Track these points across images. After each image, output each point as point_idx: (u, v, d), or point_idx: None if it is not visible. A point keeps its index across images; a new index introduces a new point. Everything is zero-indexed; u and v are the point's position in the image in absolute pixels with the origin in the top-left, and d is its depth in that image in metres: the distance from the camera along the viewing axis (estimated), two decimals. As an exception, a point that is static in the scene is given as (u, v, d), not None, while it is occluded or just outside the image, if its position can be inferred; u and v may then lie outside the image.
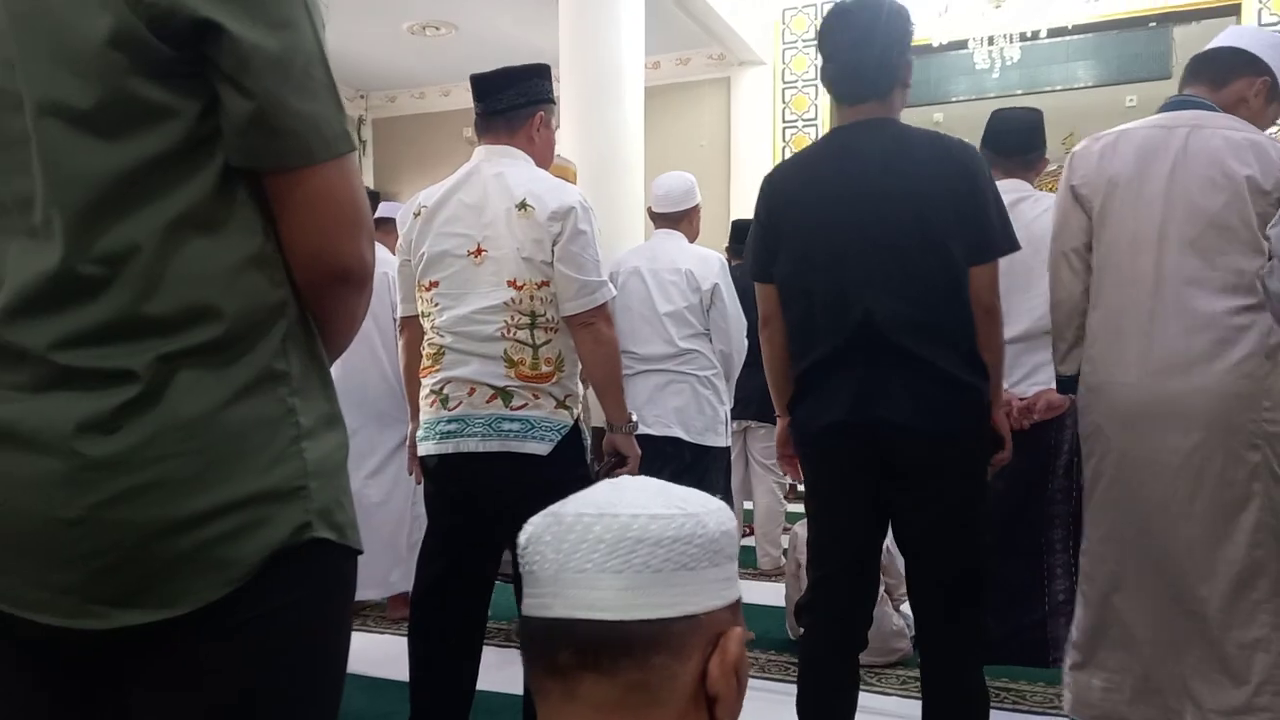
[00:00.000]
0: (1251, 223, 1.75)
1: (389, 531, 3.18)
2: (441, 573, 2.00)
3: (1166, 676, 1.82)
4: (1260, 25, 5.39)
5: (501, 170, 1.98)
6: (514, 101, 2.04)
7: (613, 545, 0.65)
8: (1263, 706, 1.73)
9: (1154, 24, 5.78)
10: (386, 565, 3.18)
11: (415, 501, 3.18)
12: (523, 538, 0.69)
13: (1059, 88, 6.67)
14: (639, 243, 4.12)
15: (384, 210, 3.50)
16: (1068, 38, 5.73)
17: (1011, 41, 5.17)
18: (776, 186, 1.86)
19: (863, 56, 1.76)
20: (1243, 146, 1.80)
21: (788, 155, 1.91)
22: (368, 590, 3.19)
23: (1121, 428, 1.83)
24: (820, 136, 1.87)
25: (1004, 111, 2.55)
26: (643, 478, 0.73)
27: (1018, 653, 2.35)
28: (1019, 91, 6.51)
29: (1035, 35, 5.24)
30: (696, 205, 3.18)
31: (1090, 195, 1.91)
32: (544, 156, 2.08)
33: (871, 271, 1.68)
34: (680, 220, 3.15)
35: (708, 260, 3.06)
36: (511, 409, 1.93)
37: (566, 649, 0.66)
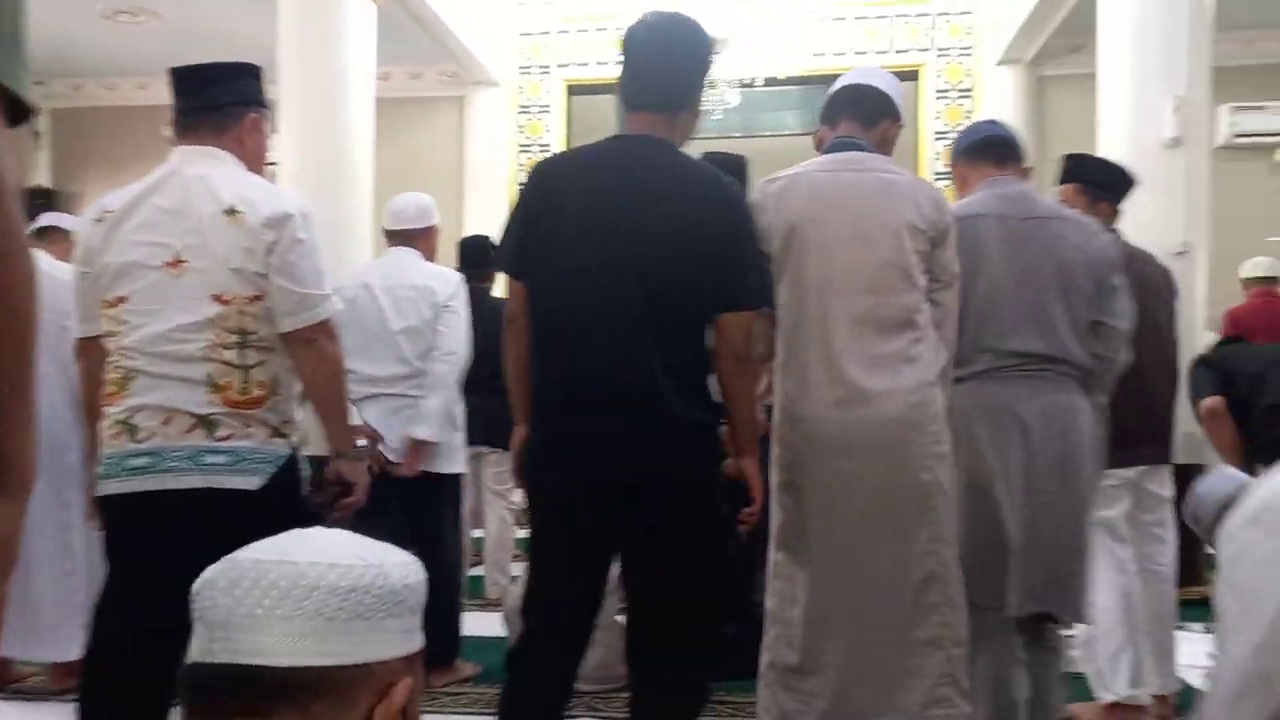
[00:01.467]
0: (912, 261, 1.93)
1: (61, 588, 2.75)
2: (123, 630, 1.73)
3: (858, 698, 1.92)
4: (936, 91, 6.15)
5: (205, 172, 1.78)
6: (223, 99, 1.86)
7: (285, 591, 0.65)
8: (942, 698, 1.89)
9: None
10: (60, 625, 2.73)
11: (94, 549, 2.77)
12: (197, 584, 0.67)
13: (770, 133, 7.22)
14: (366, 260, 3.92)
15: (49, 219, 3.10)
16: (780, 87, 6.21)
17: (731, 87, 5.51)
18: (549, 182, 1.79)
19: (656, 63, 1.77)
20: (903, 188, 1.97)
21: (523, 180, 1.86)
22: (37, 650, 2.73)
23: (814, 458, 1.92)
24: (603, 140, 1.84)
25: (713, 154, 2.63)
26: (336, 531, 0.70)
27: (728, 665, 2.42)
28: (737, 134, 6.97)
29: (752, 83, 5.63)
30: (434, 226, 3.05)
31: (771, 237, 1.97)
32: (254, 164, 1.90)
33: (617, 308, 1.67)
34: (416, 239, 3.00)
35: (446, 277, 2.94)
36: (216, 439, 1.72)
37: (228, 695, 0.65)
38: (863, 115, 2.05)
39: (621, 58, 1.80)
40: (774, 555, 2.01)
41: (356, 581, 0.66)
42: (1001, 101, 5.79)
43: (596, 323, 1.68)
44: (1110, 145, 3.58)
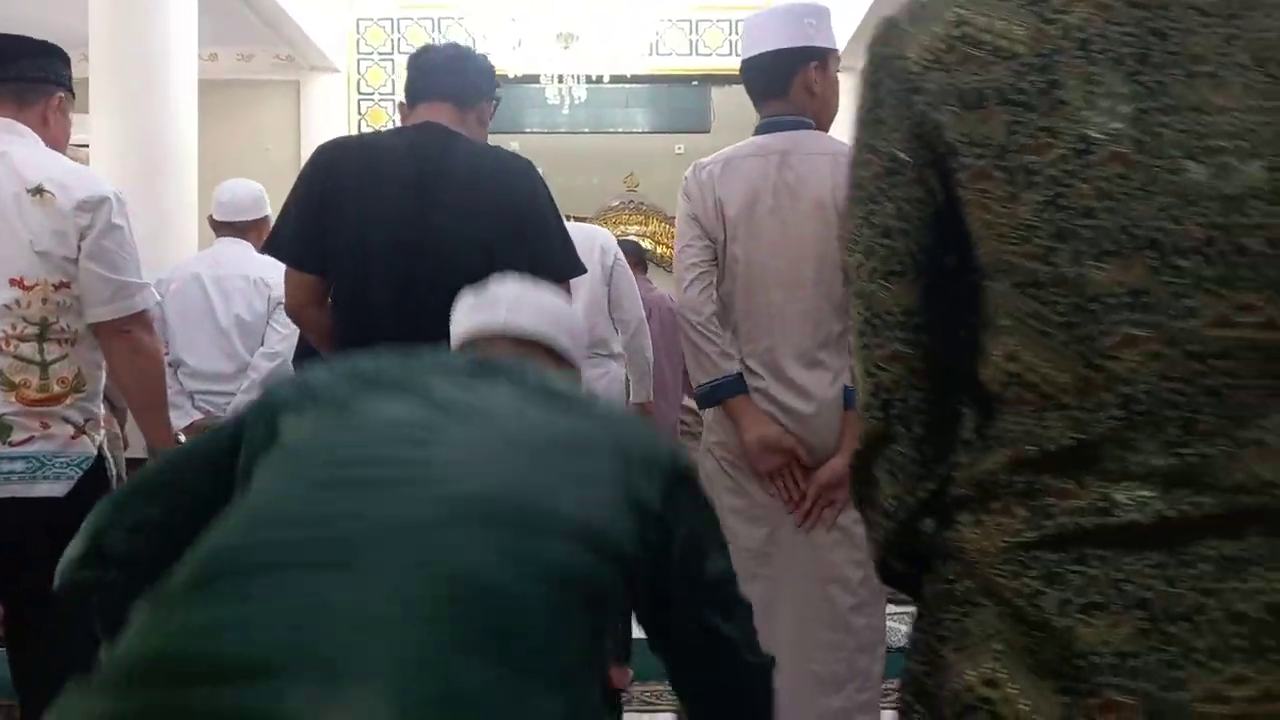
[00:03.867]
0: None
1: None
2: None
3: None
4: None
5: (6, 149, 1.65)
6: (30, 73, 1.75)
7: None
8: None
9: (696, 83, 6.53)
10: None
11: None
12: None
13: (621, 130, 7.25)
14: (190, 251, 3.68)
15: None
16: (628, 85, 6.25)
17: (579, 82, 5.50)
18: (336, 165, 1.72)
19: (447, 66, 1.79)
20: (826, 168, 1.87)
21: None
22: None
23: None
24: (387, 130, 1.85)
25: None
26: None
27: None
28: (586, 130, 6.97)
29: (600, 79, 5.64)
30: (266, 217, 2.89)
31: (709, 226, 1.91)
32: (57, 146, 1.78)
33: (418, 292, 1.63)
34: (247, 230, 2.85)
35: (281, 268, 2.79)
36: (12, 445, 1.56)
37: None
38: (772, 91, 1.95)
39: (409, 71, 1.83)
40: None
41: None
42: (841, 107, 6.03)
43: (396, 310, 1.62)
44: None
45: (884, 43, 0.79)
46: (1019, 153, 0.72)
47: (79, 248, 1.63)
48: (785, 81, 1.94)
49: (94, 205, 1.64)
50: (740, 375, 1.89)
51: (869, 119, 0.80)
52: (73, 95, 1.86)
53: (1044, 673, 0.70)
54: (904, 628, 0.63)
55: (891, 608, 2.05)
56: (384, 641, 0.70)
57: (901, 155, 0.78)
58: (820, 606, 1.89)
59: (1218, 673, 0.67)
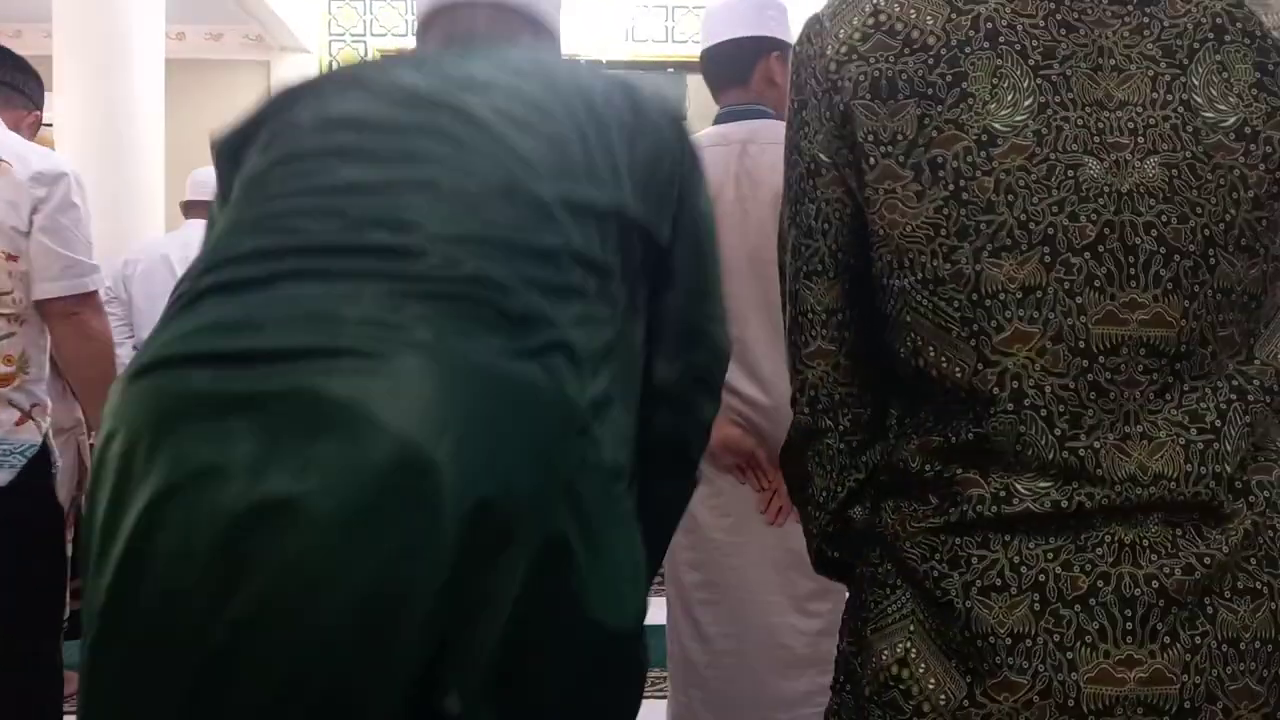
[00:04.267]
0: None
1: None
2: None
3: None
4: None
5: None
6: (15, 83, 1.82)
7: None
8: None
9: (671, 70, 6.52)
10: None
11: None
12: None
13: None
14: (156, 232, 3.64)
15: None
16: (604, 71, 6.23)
17: (554, 66, 5.48)
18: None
19: None
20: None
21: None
22: None
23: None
24: None
25: None
26: None
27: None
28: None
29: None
30: None
31: None
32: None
33: None
34: None
35: None
36: (-47, 428, 1.55)
37: None
38: (733, 78, 1.93)
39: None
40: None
41: None
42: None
43: None
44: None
45: (807, 41, 0.80)
46: (927, 147, 0.73)
47: (31, 221, 1.61)
48: (747, 70, 1.93)
49: (51, 180, 1.63)
50: None
51: (795, 120, 0.81)
52: (40, 110, 1.94)
53: (950, 653, 0.73)
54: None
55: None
56: (417, 324, 0.72)
57: (822, 156, 0.79)
58: (784, 592, 1.91)
59: (1108, 655, 0.69)
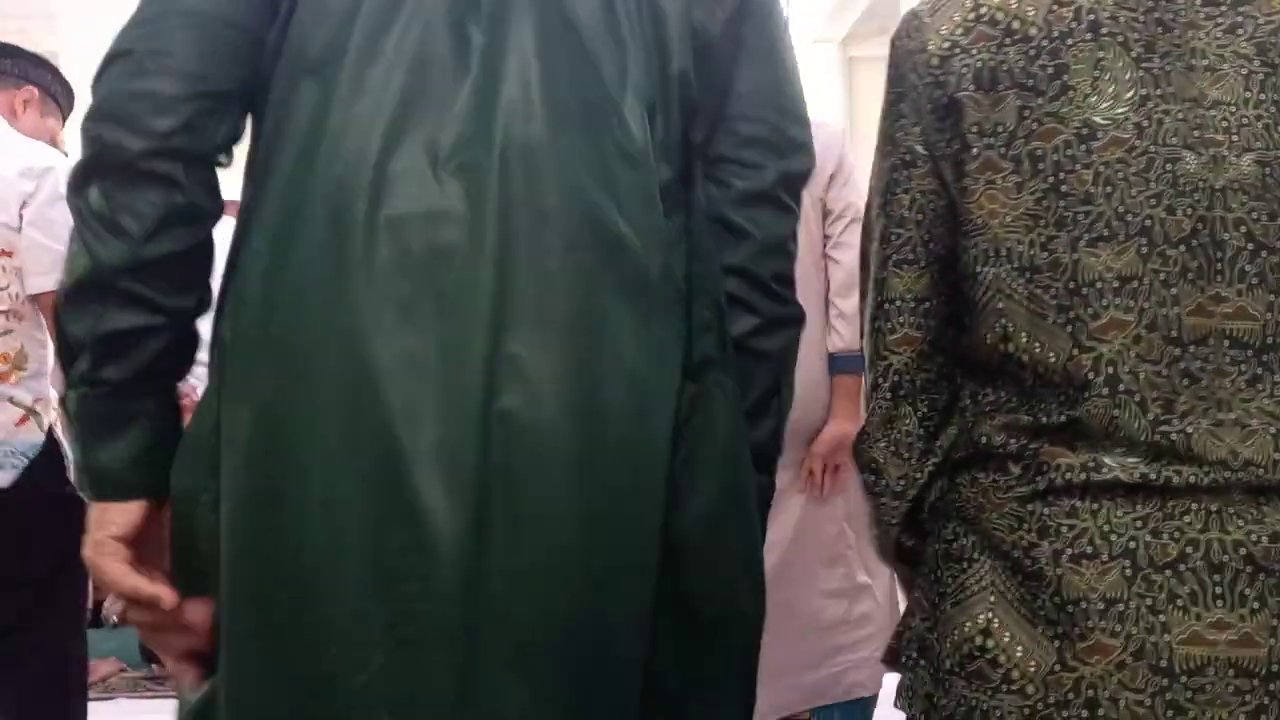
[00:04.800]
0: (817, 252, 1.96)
1: None
2: None
3: None
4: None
5: None
6: (3, 68, 1.81)
7: None
8: None
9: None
10: None
11: None
12: None
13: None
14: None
15: None
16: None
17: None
18: None
19: None
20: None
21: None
22: None
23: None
24: None
25: None
26: None
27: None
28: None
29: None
30: None
31: None
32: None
33: None
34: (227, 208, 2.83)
35: None
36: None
37: None
38: None
39: None
40: None
41: None
42: (815, 79, 6.05)
43: None
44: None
45: (906, 35, 0.83)
46: (1027, 139, 0.76)
47: (20, 215, 1.61)
48: None
49: (39, 173, 1.63)
50: None
51: (891, 112, 0.84)
52: (56, 102, 1.90)
53: (1036, 620, 0.76)
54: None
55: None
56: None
57: (918, 149, 0.82)
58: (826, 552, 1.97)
59: (1199, 618, 0.72)
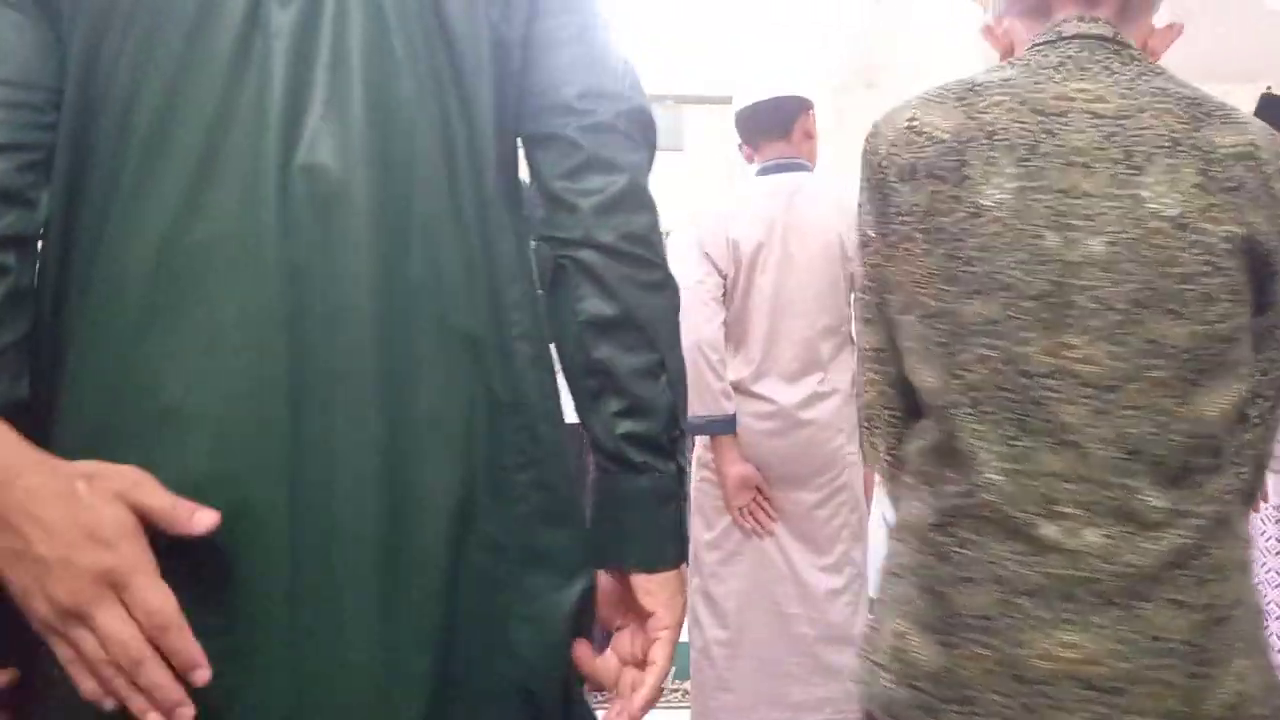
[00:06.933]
0: (841, 285, 2.27)
1: None
2: None
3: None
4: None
5: None
6: None
7: None
8: None
9: (670, 102, 6.77)
10: None
11: None
12: None
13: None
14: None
15: None
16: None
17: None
18: None
19: None
20: (833, 208, 2.24)
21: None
22: None
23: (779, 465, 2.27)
24: None
25: None
26: None
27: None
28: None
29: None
30: None
31: (718, 258, 2.26)
32: None
33: None
34: None
35: None
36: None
37: None
38: (778, 132, 2.31)
39: None
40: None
41: None
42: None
43: None
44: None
45: (868, 142, 1.06)
46: (935, 215, 0.97)
47: None
48: (788, 125, 2.31)
49: None
50: (734, 417, 2.26)
51: (860, 201, 1.07)
52: None
53: (934, 630, 0.96)
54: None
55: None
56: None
57: (870, 232, 1.05)
58: (793, 589, 2.28)
59: (1052, 637, 0.91)
